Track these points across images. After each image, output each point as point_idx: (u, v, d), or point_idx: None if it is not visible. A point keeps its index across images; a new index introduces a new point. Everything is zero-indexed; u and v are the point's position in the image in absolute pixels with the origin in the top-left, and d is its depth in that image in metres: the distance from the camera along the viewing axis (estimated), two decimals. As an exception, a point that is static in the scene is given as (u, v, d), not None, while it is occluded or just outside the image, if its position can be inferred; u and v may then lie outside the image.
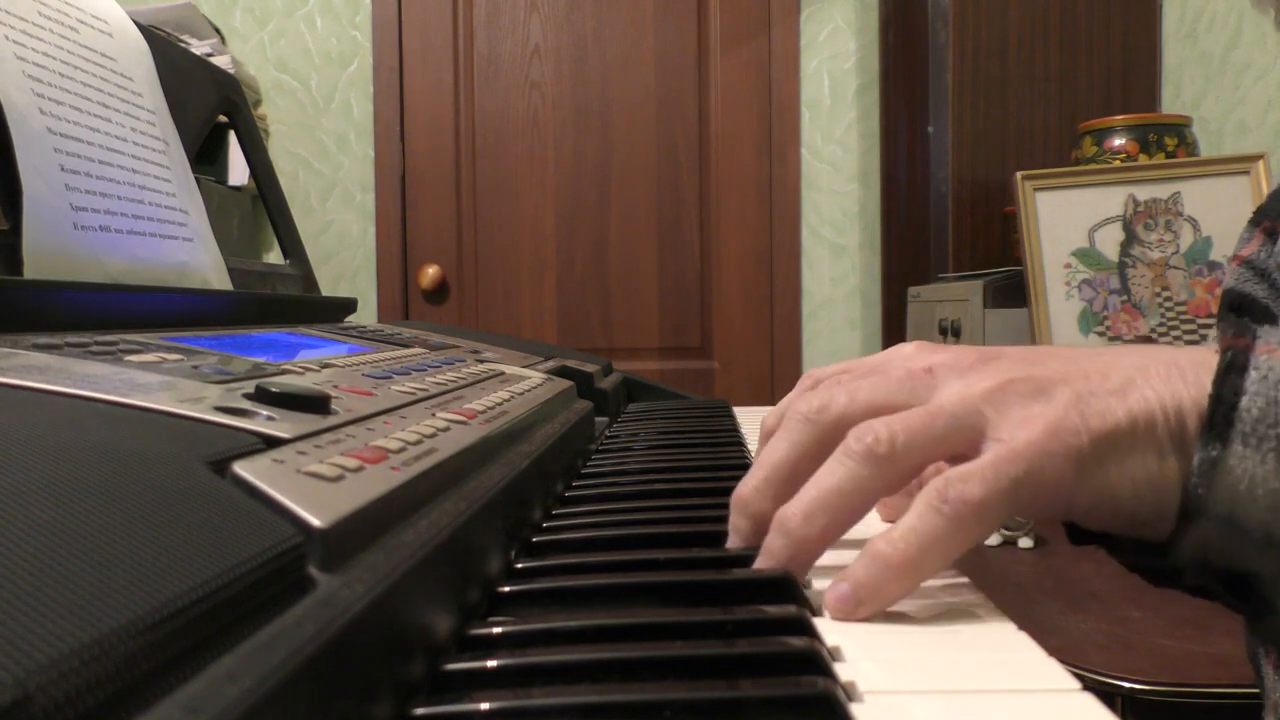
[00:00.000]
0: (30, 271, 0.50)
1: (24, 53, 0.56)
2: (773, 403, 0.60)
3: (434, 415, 0.41)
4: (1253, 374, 0.31)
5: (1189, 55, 1.86)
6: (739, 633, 0.29)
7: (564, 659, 0.27)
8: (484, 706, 0.24)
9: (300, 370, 0.43)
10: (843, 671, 0.26)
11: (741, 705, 0.24)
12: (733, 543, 0.37)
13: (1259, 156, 1.46)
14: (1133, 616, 0.95)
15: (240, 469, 0.26)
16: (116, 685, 0.16)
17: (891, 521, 0.43)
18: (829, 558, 0.37)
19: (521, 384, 0.59)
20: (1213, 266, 1.47)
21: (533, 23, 2.46)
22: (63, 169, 0.55)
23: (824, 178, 2.44)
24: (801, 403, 0.37)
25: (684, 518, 0.44)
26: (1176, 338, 1.48)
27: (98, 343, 0.39)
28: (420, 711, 0.24)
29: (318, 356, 0.51)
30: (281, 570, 0.22)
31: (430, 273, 2.44)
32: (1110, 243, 1.50)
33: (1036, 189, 1.51)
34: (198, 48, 2.16)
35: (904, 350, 0.52)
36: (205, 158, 2.10)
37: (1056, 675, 0.26)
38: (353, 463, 0.29)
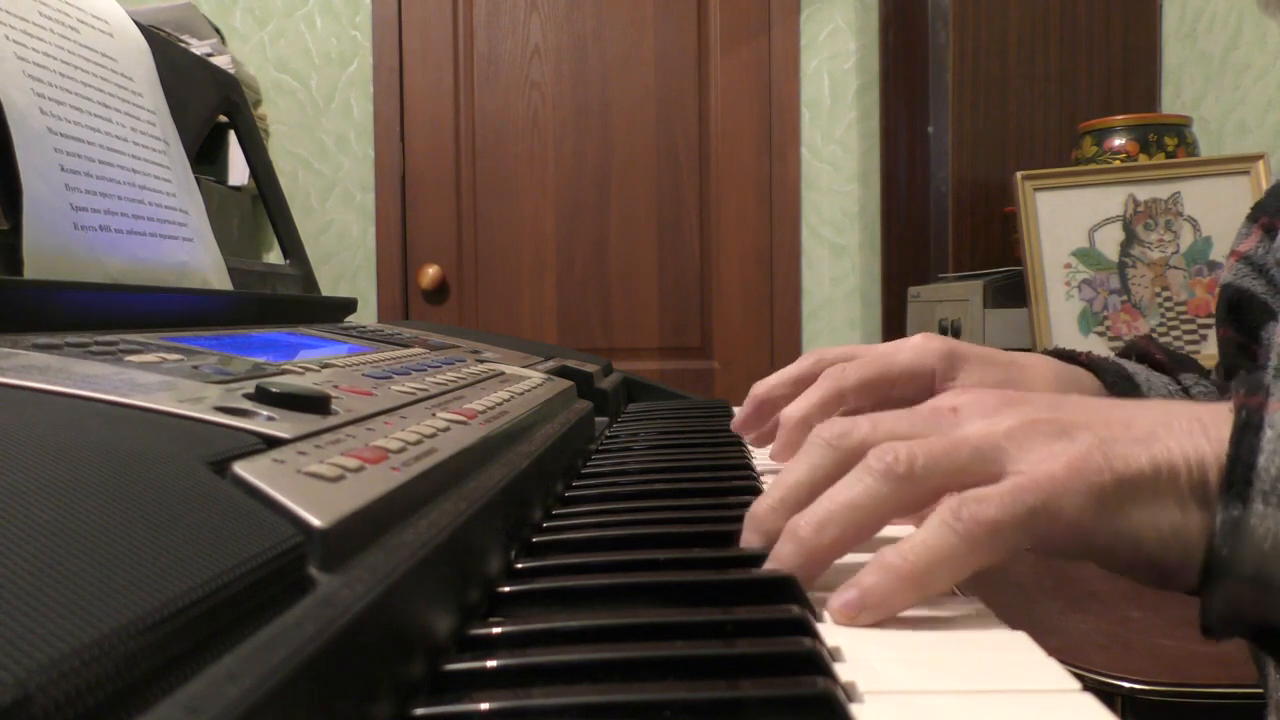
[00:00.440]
0: (30, 271, 0.50)
1: (24, 53, 0.56)
2: (773, 403, 0.60)
3: (434, 415, 0.41)
4: (1268, 432, 0.31)
5: (1189, 55, 1.86)
6: (739, 633, 0.29)
7: (564, 659, 0.27)
8: (484, 707, 0.24)
9: (300, 370, 0.43)
10: (843, 672, 0.26)
11: (742, 705, 0.24)
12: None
13: (1259, 156, 1.46)
14: (1133, 616, 0.95)
15: (240, 469, 0.26)
16: (117, 685, 0.16)
17: None
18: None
19: (521, 384, 0.59)
20: (1213, 266, 1.47)
21: (533, 23, 2.46)
22: (63, 169, 0.55)
23: (824, 178, 2.44)
24: (824, 428, 0.37)
25: (684, 518, 0.44)
26: (1176, 338, 1.48)
27: (98, 343, 0.39)
28: (420, 711, 0.24)
29: (318, 356, 0.51)
30: (281, 570, 0.22)
31: (430, 273, 2.44)
32: (1110, 243, 1.50)
33: (1036, 189, 1.51)
34: (198, 48, 2.16)
35: (913, 341, 0.53)
36: (205, 158, 2.10)
37: (1056, 675, 0.26)
38: (353, 463, 0.29)
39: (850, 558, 0.35)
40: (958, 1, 1.89)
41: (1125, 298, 1.49)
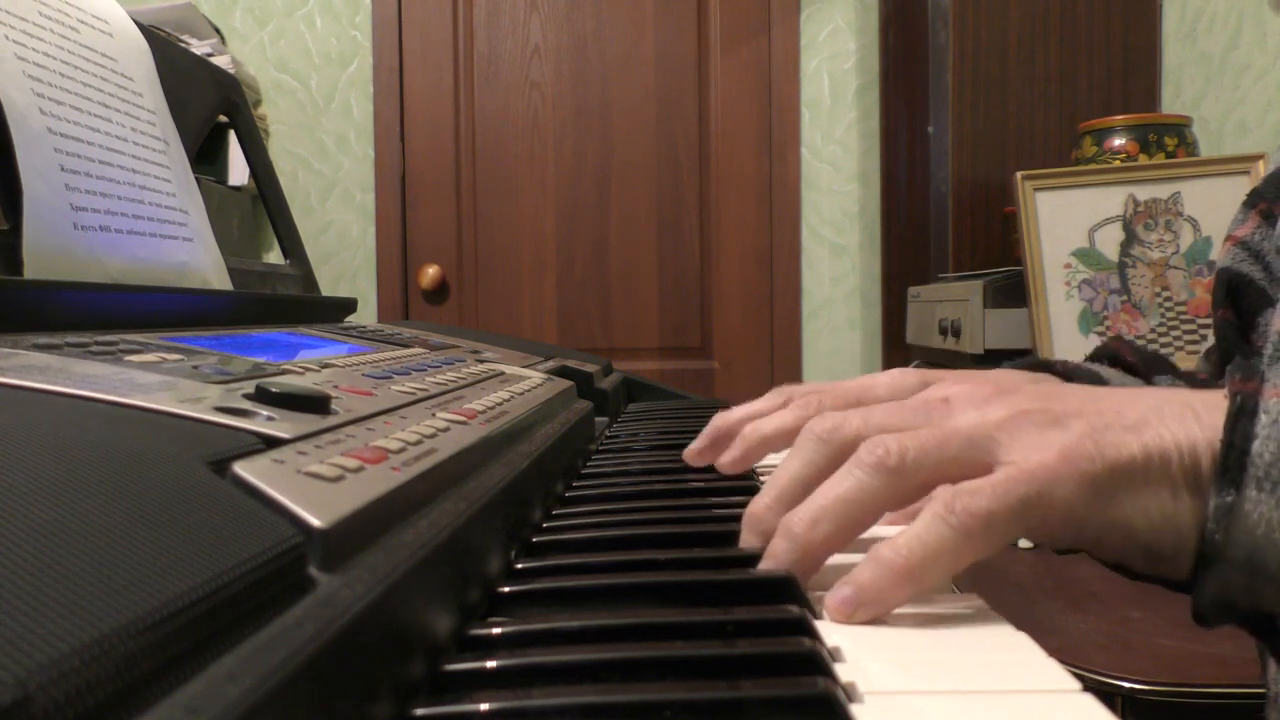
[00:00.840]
0: (30, 271, 0.50)
1: (24, 53, 0.56)
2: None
3: (434, 415, 0.41)
4: (1263, 418, 0.31)
5: (1189, 55, 1.86)
6: (739, 633, 0.29)
7: (564, 659, 0.27)
8: (484, 707, 0.24)
9: (300, 370, 0.43)
10: (843, 672, 0.26)
11: (742, 705, 0.24)
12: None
13: (1259, 156, 1.46)
14: (1133, 617, 0.95)
15: (240, 469, 0.26)
16: (117, 685, 0.16)
17: None
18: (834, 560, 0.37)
19: (521, 384, 0.59)
20: (1213, 266, 1.47)
21: (533, 23, 2.46)
22: (63, 169, 0.55)
23: (824, 178, 2.44)
24: (815, 423, 0.37)
25: (684, 518, 0.44)
26: (1176, 338, 1.48)
27: (98, 343, 0.39)
28: (420, 712, 0.24)
29: (318, 356, 0.50)
30: (282, 570, 0.22)
31: (430, 273, 2.44)
32: (1110, 243, 1.50)
33: (1036, 189, 1.51)
34: (198, 48, 2.16)
35: (887, 376, 0.50)
36: (205, 158, 2.10)
37: (1057, 675, 0.26)
38: (353, 463, 0.29)
39: (849, 557, 0.35)
40: (958, 1, 1.89)
41: (1125, 298, 1.49)
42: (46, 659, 0.15)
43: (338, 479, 0.27)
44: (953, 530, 0.31)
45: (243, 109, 0.91)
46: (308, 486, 0.26)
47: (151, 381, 0.33)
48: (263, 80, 2.44)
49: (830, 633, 0.30)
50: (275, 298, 0.76)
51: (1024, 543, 1.13)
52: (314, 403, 0.34)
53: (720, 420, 0.52)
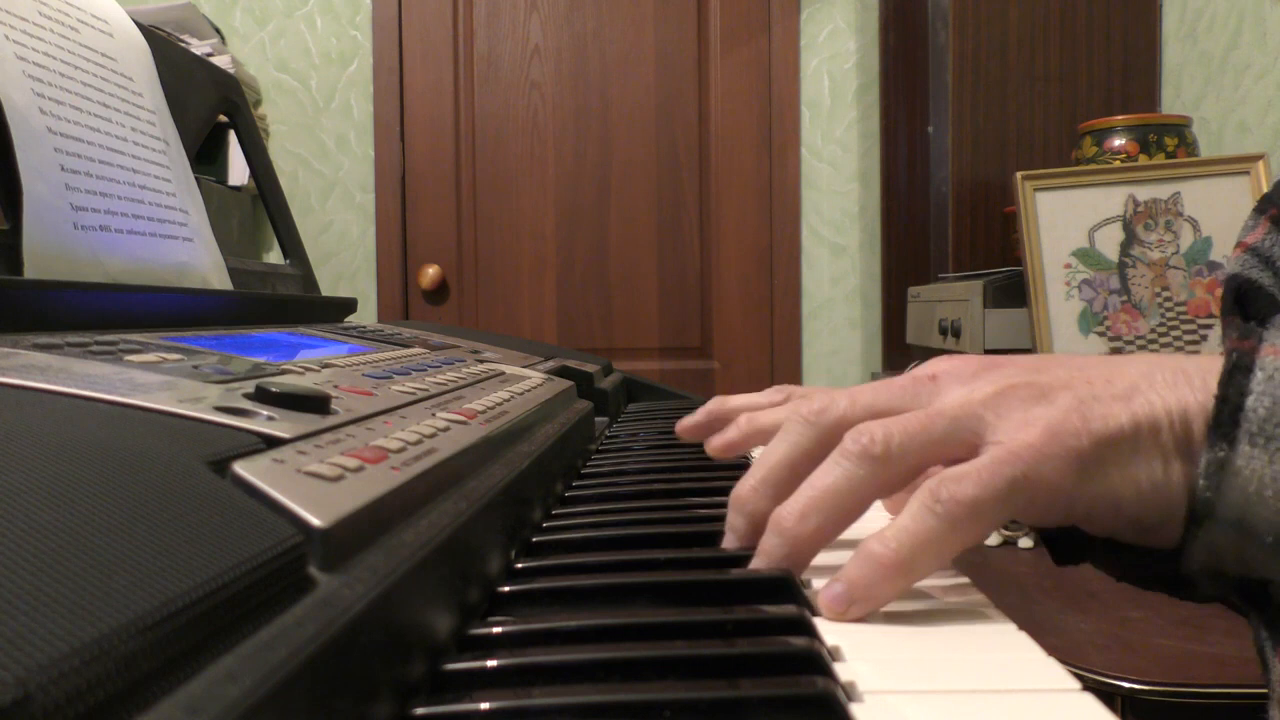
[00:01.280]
0: (30, 271, 0.50)
1: (24, 52, 0.56)
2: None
3: (434, 415, 0.41)
4: (1258, 374, 0.31)
5: (1189, 55, 1.86)
6: (739, 632, 0.29)
7: (564, 659, 0.27)
8: (484, 706, 0.24)
9: (300, 370, 0.43)
10: (842, 671, 0.26)
11: (741, 705, 0.24)
12: (729, 542, 0.37)
13: (1259, 157, 1.46)
14: (1132, 616, 0.95)
15: (240, 469, 0.26)
16: (117, 685, 0.16)
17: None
18: (826, 558, 0.36)
19: (521, 384, 0.59)
20: (1213, 266, 1.47)
21: (532, 23, 2.46)
22: (63, 169, 0.55)
23: (824, 178, 2.44)
24: (802, 404, 0.37)
25: (684, 518, 0.44)
26: (1176, 338, 1.48)
27: (98, 343, 0.39)
28: (420, 711, 0.24)
29: (318, 356, 0.51)
30: (282, 570, 0.22)
31: (430, 273, 2.44)
32: (1110, 243, 1.50)
33: (1036, 189, 1.51)
34: (198, 48, 2.16)
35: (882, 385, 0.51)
36: (205, 158, 2.10)
37: (1056, 675, 0.26)
38: (353, 463, 0.29)
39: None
40: (958, 2, 1.89)
41: (1125, 298, 1.49)
42: (46, 659, 0.15)
43: (338, 479, 0.27)
44: (939, 520, 0.31)
45: (243, 109, 0.91)
46: (308, 486, 0.26)
47: (151, 381, 0.33)
48: (263, 80, 2.44)
49: (829, 632, 0.30)
50: (275, 298, 0.76)
51: (1024, 542, 1.13)
52: (314, 402, 0.34)
53: (718, 405, 0.53)
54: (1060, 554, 0.37)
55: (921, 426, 0.33)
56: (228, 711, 0.17)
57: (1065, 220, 1.50)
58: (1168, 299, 1.48)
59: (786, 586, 0.32)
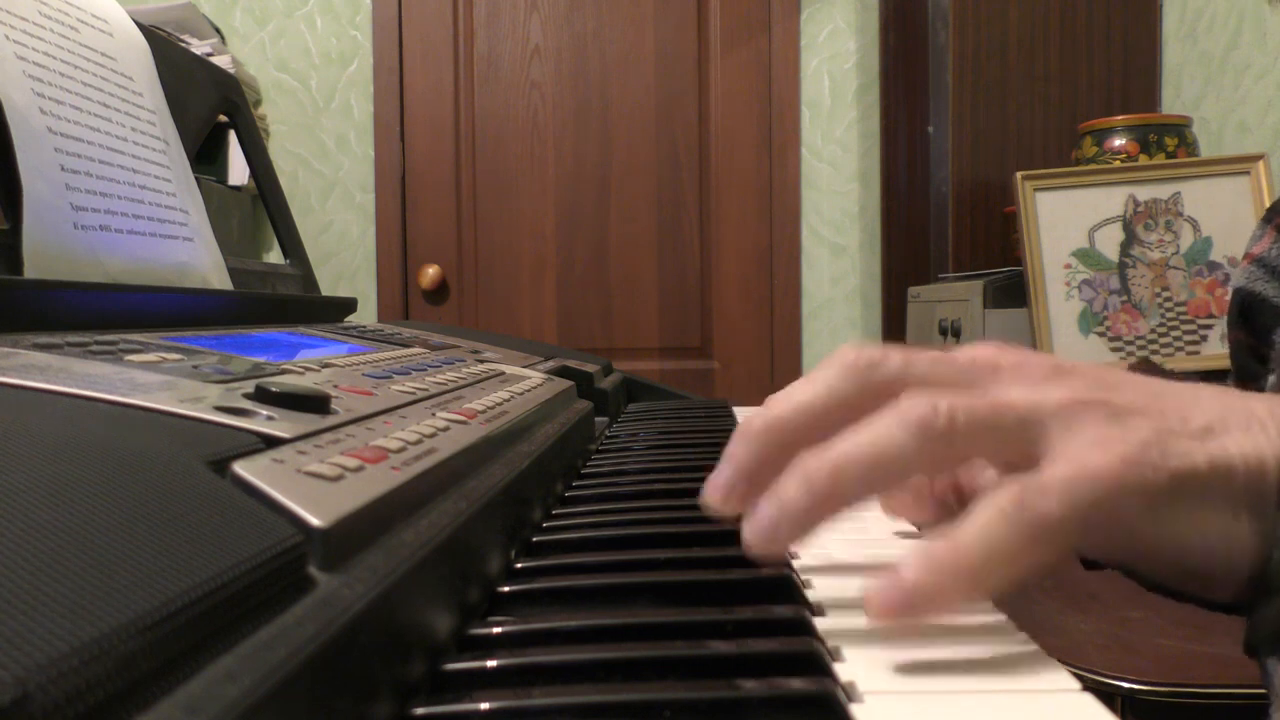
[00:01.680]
0: (30, 271, 0.50)
1: (24, 52, 0.56)
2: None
3: (434, 415, 0.41)
4: None
5: (1189, 55, 1.86)
6: (739, 632, 0.29)
7: (564, 659, 0.27)
8: (484, 706, 0.24)
9: (300, 370, 0.43)
10: (842, 672, 0.26)
11: (741, 705, 0.24)
12: (720, 475, 0.32)
13: (1259, 157, 1.46)
14: (1132, 617, 0.95)
15: (240, 469, 0.25)
16: (116, 684, 0.16)
17: (894, 515, 0.42)
18: (816, 558, 0.36)
19: (521, 384, 0.59)
20: (1213, 267, 1.47)
21: (533, 23, 2.46)
22: (63, 169, 0.55)
23: (824, 178, 2.44)
24: (849, 352, 0.32)
25: (684, 518, 0.44)
26: (1176, 338, 1.48)
27: (98, 342, 0.39)
28: (420, 711, 0.24)
29: (318, 356, 0.50)
30: (281, 570, 0.22)
31: (430, 273, 2.44)
32: (1110, 243, 1.50)
33: (1037, 189, 1.51)
34: (198, 47, 2.16)
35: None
36: (205, 158, 2.10)
37: (1056, 675, 0.26)
38: (353, 462, 0.29)
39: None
40: (958, 2, 1.89)
41: (1125, 298, 1.49)
42: (46, 658, 0.15)
43: (338, 478, 0.27)
44: (1019, 532, 0.27)
45: (243, 109, 0.91)
46: (307, 486, 0.26)
47: (151, 381, 0.33)
48: (263, 80, 2.44)
49: (829, 632, 0.30)
50: (275, 297, 0.76)
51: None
52: (314, 402, 0.34)
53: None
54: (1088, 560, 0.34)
55: (987, 414, 0.30)
56: (227, 711, 0.17)
57: (1065, 220, 1.50)
58: (1168, 299, 1.48)
59: (787, 587, 0.32)
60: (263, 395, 0.33)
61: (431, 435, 0.36)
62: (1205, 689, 0.81)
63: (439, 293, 2.48)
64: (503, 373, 0.62)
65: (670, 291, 2.46)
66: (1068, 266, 1.50)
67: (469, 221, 2.47)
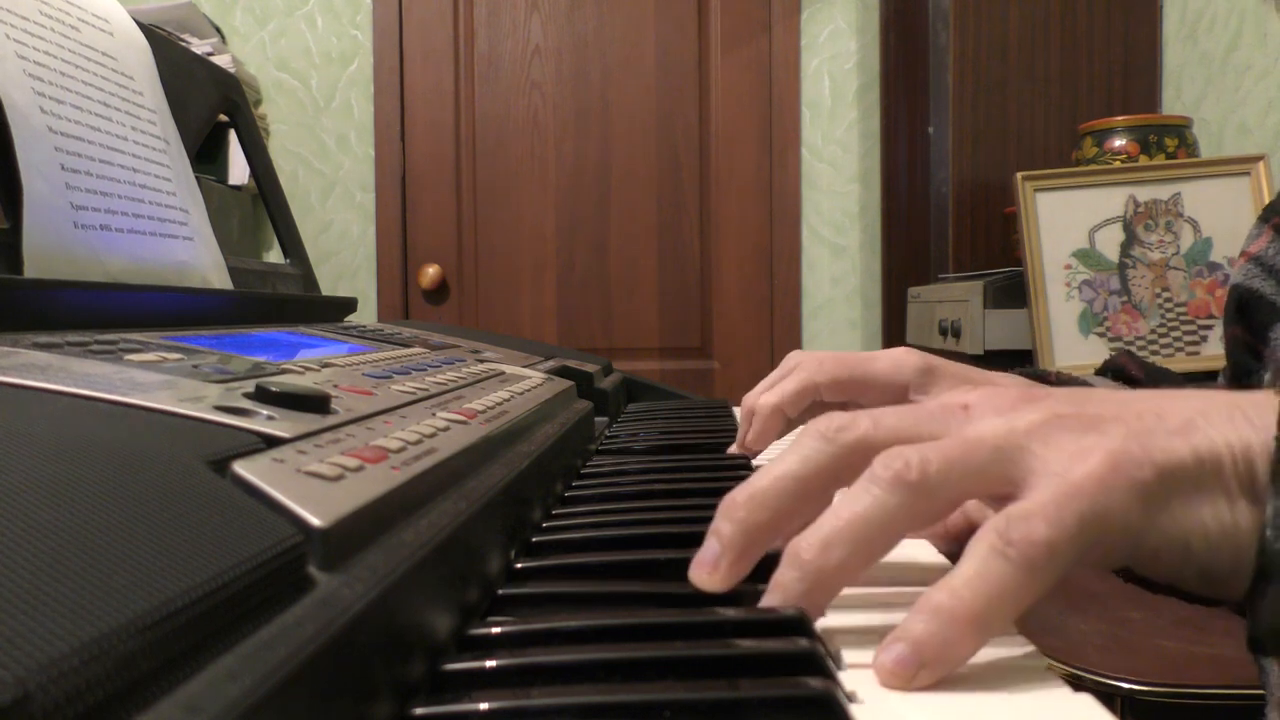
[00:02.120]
0: (30, 270, 0.50)
1: (25, 51, 0.56)
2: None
3: (434, 415, 0.41)
4: None
5: (1189, 56, 1.86)
6: (739, 633, 0.29)
7: (563, 659, 0.27)
8: (483, 706, 0.24)
9: (300, 370, 0.43)
10: (842, 673, 0.26)
11: (741, 706, 0.24)
12: (707, 552, 0.31)
13: (1259, 158, 1.46)
14: (1132, 617, 0.95)
15: (240, 468, 0.26)
16: (116, 684, 0.16)
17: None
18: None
19: (521, 384, 0.59)
20: (1213, 267, 1.47)
21: (533, 23, 2.46)
22: (63, 168, 0.55)
23: (824, 178, 2.44)
24: (820, 421, 0.33)
25: (684, 518, 0.44)
26: (1176, 339, 1.48)
27: (98, 342, 0.39)
28: (419, 711, 0.24)
29: (318, 356, 0.50)
30: (281, 570, 0.22)
31: (430, 273, 2.44)
32: (1110, 243, 1.50)
33: (1037, 189, 1.51)
34: (198, 47, 2.16)
35: (891, 352, 0.52)
36: (205, 157, 2.10)
37: (1055, 677, 0.26)
38: (353, 462, 0.29)
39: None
40: (958, 2, 1.89)
41: (1125, 298, 1.49)
42: (46, 658, 0.15)
43: (338, 478, 0.27)
44: (1014, 565, 0.27)
45: (243, 108, 0.91)
46: (307, 486, 0.26)
47: (151, 380, 0.33)
48: (263, 79, 2.44)
49: (829, 633, 0.30)
50: (275, 297, 0.76)
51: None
52: (314, 402, 0.34)
53: (745, 403, 0.56)
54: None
55: (961, 454, 0.30)
56: (227, 711, 0.17)
57: (1065, 221, 1.50)
58: (1168, 300, 1.48)
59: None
60: (263, 395, 0.33)
61: (431, 435, 0.36)
62: (1204, 690, 0.81)
63: (439, 293, 2.48)
64: (503, 373, 0.62)
65: (670, 291, 2.46)
66: (1068, 267, 1.50)
67: (469, 221, 2.48)
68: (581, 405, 0.66)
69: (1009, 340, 1.53)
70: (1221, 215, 1.46)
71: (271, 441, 0.29)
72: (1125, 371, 0.59)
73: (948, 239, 1.91)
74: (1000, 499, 0.30)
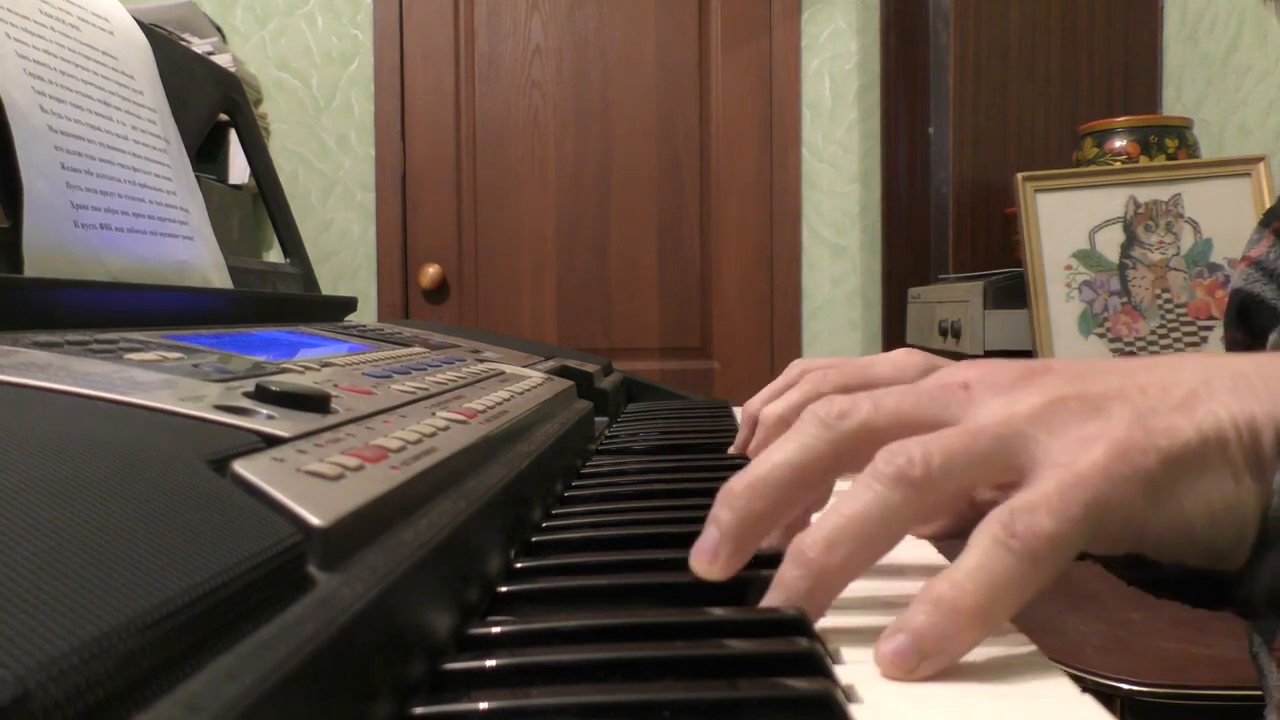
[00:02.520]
0: (31, 269, 0.50)
1: (25, 50, 0.56)
2: (773, 403, 0.60)
3: (434, 414, 0.41)
4: None
5: (1190, 57, 1.86)
6: (738, 633, 0.29)
7: (563, 659, 0.27)
8: (483, 706, 0.24)
9: (300, 369, 0.43)
10: (842, 672, 0.26)
11: (740, 706, 0.24)
12: (706, 540, 0.32)
13: (1260, 159, 1.46)
14: (1132, 618, 0.95)
15: (240, 468, 0.25)
16: (116, 683, 0.16)
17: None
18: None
19: (521, 384, 0.59)
20: (1213, 268, 1.47)
21: (534, 23, 2.46)
22: (63, 167, 0.55)
23: (825, 178, 2.44)
24: (819, 405, 0.33)
25: (684, 518, 0.44)
26: (1177, 339, 1.48)
27: (98, 341, 0.39)
28: (419, 711, 0.24)
29: (318, 355, 0.50)
30: (281, 569, 0.22)
31: (430, 272, 2.44)
32: (1111, 244, 1.50)
33: (1037, 190, 1.51)
34: (199, 46, 2.16)
35: (893, 355, 0.52)
36: (206, 156, 2.10)
37: (1055, 677, 0.26)
38: (353, 462, 0.29)
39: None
40: (959, 3, 1.89)
41: (1125, 299, 1.49)
42: (46, 657, 0.15)
43: (337, 478, 0.27)
44: (1017, 557, 0.27)
45: (243, 107, 0.91)
46: (307, 485, 0.26)
47: (151, 380, 0.33)
48: (263, 79, 2.44)
49: (829, 633, 0.30)
50: (275, 296, 0.76)
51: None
52: (314, 401, 0.34)
53: (747, 409, 0.55)
54: (1124, 573, 0.34)
55: (964, 446, 0.29)
56: (227, 710, 0.17)
57: (1066, 221, 1.50)
58: (1168, 300, 1.48)
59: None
60: (263, 394, 0.33)
61: (431, 435, 0.36)
62: (1204, 690, 0.81)
63: (439, 292, 2.48)
64: (503, 372, 0.62)
65: (670, 291, 2.46)
66: (1068, 268, 1.50)
67: (469, 221, 2.48)
68: (581, 405, 0.66)
69: (1009, 341, 1.53)
70: (1222, 216, 1.46)
71: (271, 441, 0.29)
72: None
73: (948, 239, 1.91)
74: (1003, 487, 0.30)
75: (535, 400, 0.54)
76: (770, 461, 0.32)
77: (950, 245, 1.91)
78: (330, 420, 0.33)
